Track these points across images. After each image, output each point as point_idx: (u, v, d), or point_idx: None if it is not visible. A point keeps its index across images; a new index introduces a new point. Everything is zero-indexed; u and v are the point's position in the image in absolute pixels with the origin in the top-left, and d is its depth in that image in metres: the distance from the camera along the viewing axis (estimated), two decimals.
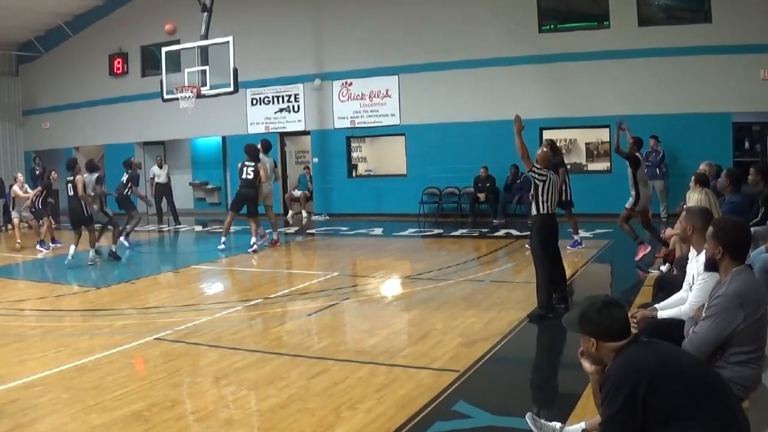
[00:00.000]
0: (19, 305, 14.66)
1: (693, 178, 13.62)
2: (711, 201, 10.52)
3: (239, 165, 21.86)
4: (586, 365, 5.47)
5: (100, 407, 8.30)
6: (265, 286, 16.02)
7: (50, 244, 23.67)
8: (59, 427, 7.77)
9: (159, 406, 8.33)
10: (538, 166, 12.13)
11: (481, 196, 26.82)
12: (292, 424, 7.67)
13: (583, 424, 6.54)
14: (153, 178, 31.16)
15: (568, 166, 18.90)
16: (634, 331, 5.57)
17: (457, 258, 18.65)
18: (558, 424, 6.88)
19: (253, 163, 21.30)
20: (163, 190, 30.59)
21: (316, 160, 31.42)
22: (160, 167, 30.84)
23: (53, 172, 26.24)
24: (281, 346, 10.97)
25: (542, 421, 6.93)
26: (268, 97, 32.13)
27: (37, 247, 23.39)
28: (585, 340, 5.31)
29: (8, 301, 15.04)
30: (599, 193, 25.85)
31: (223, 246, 21.46)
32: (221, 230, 21.99)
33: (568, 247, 18.31)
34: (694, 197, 10.33)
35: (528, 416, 6.97)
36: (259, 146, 21.77)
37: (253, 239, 21.16)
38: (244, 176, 21.40)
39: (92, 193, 20.12)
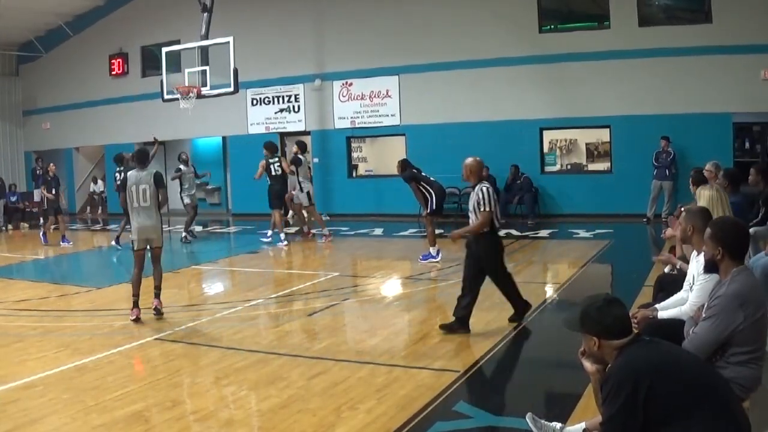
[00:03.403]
0: (19, 305, 14.66)
1: (691, 178, 13.66)
2: (722, 197, 10.48)
3: (263, 163, 22.10)
4: (587, 365, 5.47)
5: (101, 407, 8.32)
6: (265, 286, 16.02)
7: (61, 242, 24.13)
8: (60, 428, 7.78)
9: (159, 406, 8.36)
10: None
11: None
12: (292, 425, 7.68)
13: (583, 425, 6.53)
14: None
15: (432, 178, 18.73)
16: (635, 330, 5.57)
17: (457, 258, 18.60)
18: (558, 425, 6.87)
19: (276, 159, 21.68)
20: None
21: (316, 160, 31.37)
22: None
23: (51, 165, 26.45)
24: (282, 347, 10.98)
25: (542, 421, 6.92)
26: (269, 98, 32.13)
27: (61, 243, 23.72)
28: (587, 339, 5.31)
29: (9, 301, 15.05)
30: (599, 193, 25.89)
31: (285, 242, 22.27)
32: (223, 231, 22.02)
33: (420, 260, 18.24)
34: (706, 194, 10.30)
35: (528, 416, 6.96)
36: (295, 147, 22.81)
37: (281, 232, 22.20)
38: (273, 173, 22.03)
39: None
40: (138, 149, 14.13)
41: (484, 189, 11.25)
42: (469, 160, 11.65)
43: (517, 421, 7.20)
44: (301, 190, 21.72)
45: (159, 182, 13.23)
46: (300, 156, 22.02)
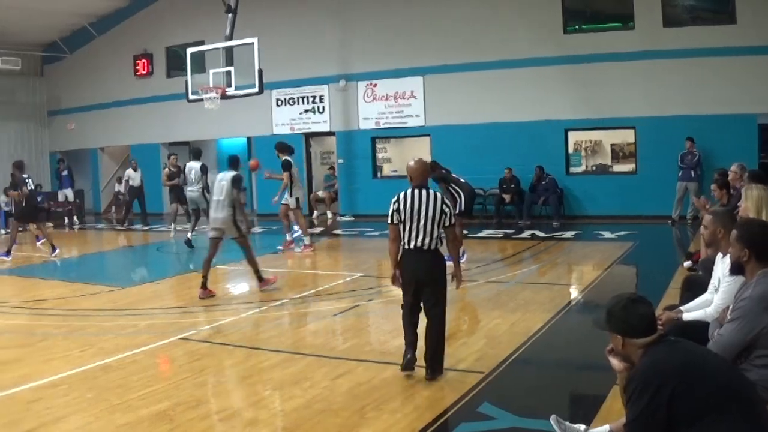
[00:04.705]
0: (44, 304, 14.75)
1: (715, 181, 13.67)
2: None
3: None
4: (615, 363, 5.46)
5: (125, 406, 8.35)
6: (289, 286, 16.00)
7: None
8: (83, 426, 7.82)
9: (184, 405, 8.36)
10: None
11: (507, 197, 26.77)
12: (316, 425, 7.69)
13: (607, 427, 6.49)
14: (127, 181, 31.70)
15: (462, 179, 18.50)
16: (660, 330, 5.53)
17: (483, 259, 18.60)
18: (582, 427, 6.84)
19: None
20: (137, 193, 31.66)
21: (341, 161, 31.43)
22: (135, 170, 31.37)
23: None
24: (306, 347, 10.98)
25: (567, 423, 6.89)
26: (294, 98, 32.18)
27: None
28: (613, 338, 5.33)
29: (34, 300, 15.15)
30: (624, 194, 25.79)
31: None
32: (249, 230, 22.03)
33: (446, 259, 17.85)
34: (755, 194, 10.13)
35: (552, 418, 6.92)
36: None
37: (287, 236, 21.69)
38: None
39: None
40: (231, 155, 16.37)
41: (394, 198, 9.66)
42: (410, 162, 9.88)
43: (541, 423, 7.16)
44: (290, 194, 21.12)
45: (236, 183, 15.26)
46: (288, 158, 21.42)
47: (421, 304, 9.40)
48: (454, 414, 7.92)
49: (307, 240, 21.34)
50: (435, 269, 9.34)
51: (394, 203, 9.50)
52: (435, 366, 9.15)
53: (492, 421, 7.56)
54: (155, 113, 35.34)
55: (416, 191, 9.43)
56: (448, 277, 9.40)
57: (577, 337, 11.26)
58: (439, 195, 9.43)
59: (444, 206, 9.31)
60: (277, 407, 8.43)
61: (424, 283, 9.29)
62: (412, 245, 9.33)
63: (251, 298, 15.28)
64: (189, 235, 22.40)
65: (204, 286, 14.91)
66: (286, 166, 20.84)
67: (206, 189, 22.23)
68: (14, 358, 10.71)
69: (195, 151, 23.38)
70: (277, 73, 29.43)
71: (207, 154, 36.50)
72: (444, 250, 9.31)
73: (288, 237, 21.77)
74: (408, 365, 9.08)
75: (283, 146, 21.48)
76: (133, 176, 31.44)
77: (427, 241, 9.24)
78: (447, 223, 9.34)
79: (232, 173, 15.42)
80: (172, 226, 25.65)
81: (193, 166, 22.25)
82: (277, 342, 11.39)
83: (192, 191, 22.51)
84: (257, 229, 26.37)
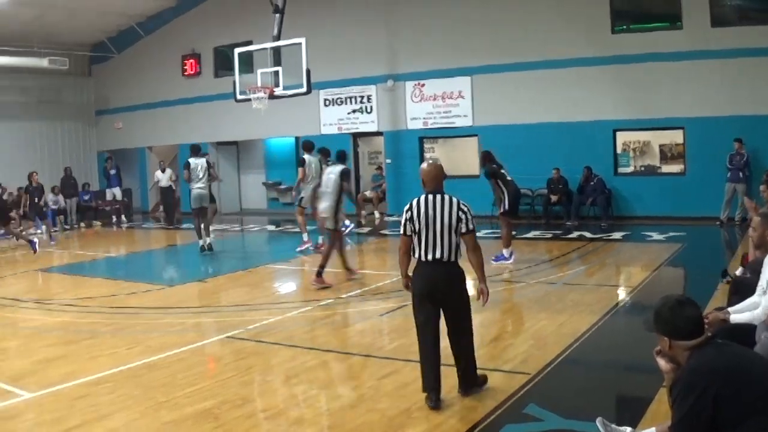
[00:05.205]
0: (91, 302, 14.86)
1: (764, 182, 13.53)
2: None
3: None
4: (662, 363, 5.43)
5: (171, 404, 8.41)
6: (337, 285, 15.97)
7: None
8: (129, 423, 7.87)
9: (229, 404, 8.39)
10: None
11: (554, 197, 26.63)
12: (361, 425, 7.69)
13: (653, 430, 6.41)
14: (157, 182, 31.78)
15: (509, 177, 18.18)
16: (708, 332, 5.49)
17: (530, 260, 18.50)
18: (629, 429, 6.79)
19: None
20: (166, 194, 32.28)
21: (389, 161, 31.39)
22: (163, 172, 31.59)
23: (35, 174, 27.89)
24: (352, 346, 10.99)
25: (613, 425, 6.83)
26: (341, 98, 32.18)
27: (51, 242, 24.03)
28: (660, 339, 5.32)
29: (81, 298, 15.26)
30: (673, 195, 25.57)
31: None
32: (296, 231, 22.01)
33: (492, 261, 17.57)
34: None
35: (598, 420, 6.85)
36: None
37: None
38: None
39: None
40: (339, 150, 18.10)
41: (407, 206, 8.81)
42: (423, 165, 8.98)
43: (587, 425, 7.10)
44: (299, 192, 20.88)
45: (343, 176, 16.27)
46: (304, 156, 21.12)
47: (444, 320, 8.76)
48: (499, 415, 7.88)
49: (305, 236, 21.35)
50: (456, 282, 8.75)
51: (407, 211, 8.68)
52: (467, 382, 8.66)
53: (538, 423, 7.54)
54: (202, 113, 35.52)
55: (431, 197, 8.63)
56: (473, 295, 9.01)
57: (625, 338, 11.17)
58: (455, 199, 8.67)
59: (460, 211, 8.58)
60: (323, 406, 8.46)
61: (444, 297, 8.68)
62: (430, 257, 8.56)
63: (298, 297, 15.34)
64: (208, 240, 21.81)
65: (348, 269, 16.41)
66: (300, 163, 20.77)
67: (212, 182, 22.16)
68: (61, 355, 10.83)
69: (195, 147, 22.77)
70: (325, 73, 29.38)
71: (255, 154, 36.81)
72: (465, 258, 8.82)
73: (305, 238, 21.55)
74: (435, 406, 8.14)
75: (307, 145, 21.44)
76: (161, 177, 31.67)
77: (446, 253, 8.54)
78: (464, 230, 8.61)
79: (340, 167, 16.53)
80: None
81: (199, 162, 21.70)
82: (324, 341, 11.42)
83: (200, 188, 21.58)
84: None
